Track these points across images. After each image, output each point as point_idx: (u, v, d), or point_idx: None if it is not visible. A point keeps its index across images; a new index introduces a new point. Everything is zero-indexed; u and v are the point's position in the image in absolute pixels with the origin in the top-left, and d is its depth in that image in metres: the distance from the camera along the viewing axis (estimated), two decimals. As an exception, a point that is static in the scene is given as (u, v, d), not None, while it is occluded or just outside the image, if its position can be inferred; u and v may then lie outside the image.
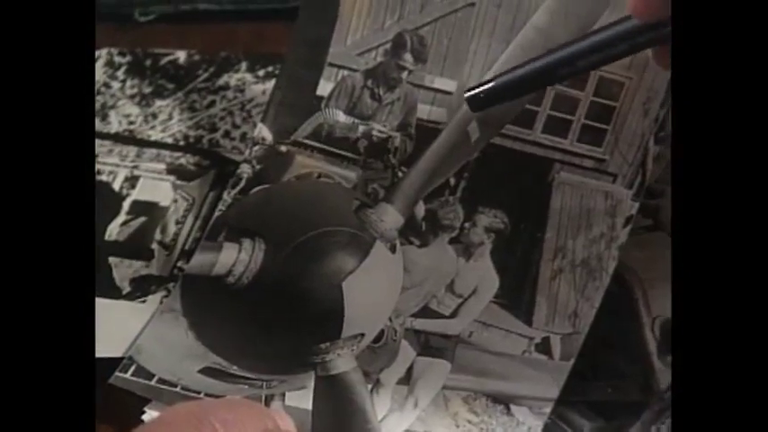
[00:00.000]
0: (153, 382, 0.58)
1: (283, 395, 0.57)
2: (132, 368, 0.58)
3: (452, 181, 0.61)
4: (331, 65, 0.64)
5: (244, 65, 0.77)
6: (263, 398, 0.56)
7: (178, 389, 0.57)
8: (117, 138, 0.73)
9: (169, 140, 0.73)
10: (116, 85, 0.78)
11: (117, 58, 0.80)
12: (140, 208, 0.68)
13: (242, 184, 0.64)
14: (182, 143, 0.72)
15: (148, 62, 0.79)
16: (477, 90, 0.46)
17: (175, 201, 0.68)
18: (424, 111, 0.63)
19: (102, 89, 0.77)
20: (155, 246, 0.66)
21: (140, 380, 0.58)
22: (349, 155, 0.63)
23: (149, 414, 0.56)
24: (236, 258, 0.57)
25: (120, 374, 0.58)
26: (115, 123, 0.75)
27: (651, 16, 0.40)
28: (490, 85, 0.46)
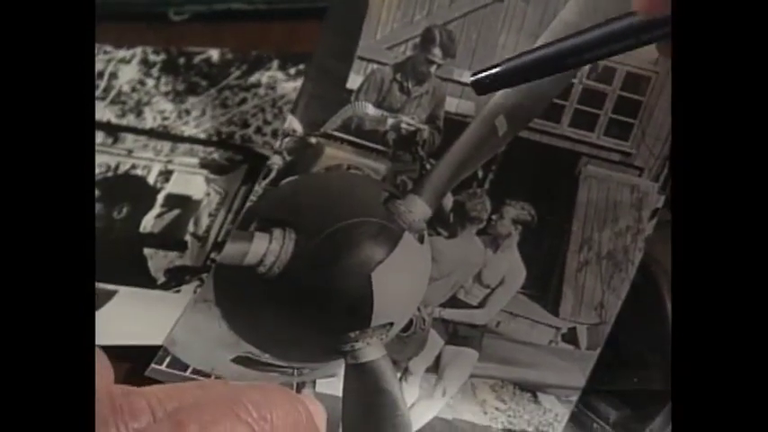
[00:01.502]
0: (188, 373, 0.58)
1: (314, 382, 0.57)
2: (168, 359, 0.59)
3: (480, 173, 0.62)
4: (360, 58, 0.65)
5: (275, 63, 0.78)
6: (295, 385, 0.57)
7: (212, 378, 0.58)
8: (152, 133, 0.75)
9: (202, 136, 0.74)
10: (151, 82, 0.79)
11: (152, 57, 0.81)
12: (174, 201, 0.70)
13: (272, 175, 0.65)
14: (214, 138, 0.74)
15: (182, 60, 0.80)
16: (482, 75, 0.47)
17: (208, 194, 0.69)
18: (452, 104, 0.63)
19: (138, 86, 0.79)
20: (188, 237, 0.67)
21: (175, 371, 0.59)
22: (378, 147, 0.64)
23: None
24: (266, 248, 0.58)
25: (156, 366, 0.59)
26: (150, 119, 0.76)
27: (654, 13, 0.41)
28: (495, 70, 0.46)
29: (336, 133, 0.65)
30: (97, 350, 0.37)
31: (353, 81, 0.65)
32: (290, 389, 0.57)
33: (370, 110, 0.65)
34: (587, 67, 0.61)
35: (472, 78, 0.47)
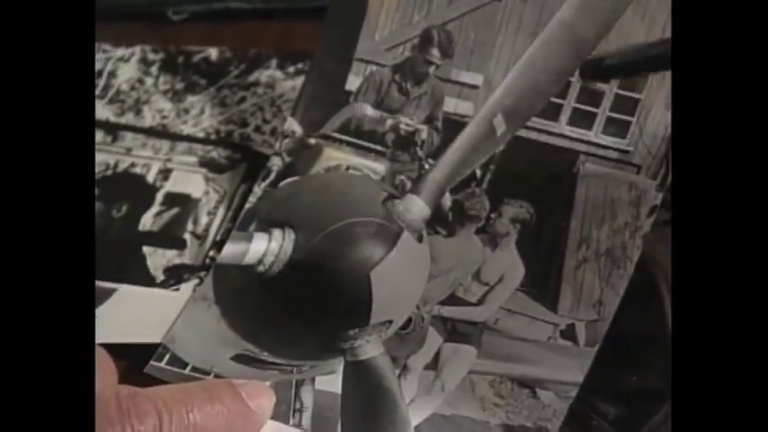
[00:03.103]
0: (187, 371, 0.59)
1: (313, 380, 0.58)
2: (167, 357, 0.59)
3: (479, 172, 0.62)
4: (359, 60, 0.65)
5: (274, 62, 0.78)
6: (294, 382, 0.57)
7: (211, 377, 0.59)
8: (150, 132, 0.75)
9: (201, 135, 0.74)
10: (149, 81, 0.79)
11: (150, 55, 0.81)
12: (173, 199, 0.70)
13: (272, 176, 0.65)
14: (213, 137, 0.74)
15: (181, 59, 0.81)
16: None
17: (207, 193, 0.69)
18: (450, 104, 0.64)
19: (137, 85, 0.79)
20: (187, 236, 0.67)
21: (175, 369, 0.59)
22: (377, 147, 0.64)
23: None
24: (266, 248, 0.58)
25: (156, 363, 0.59)
26: (149, 118, 0.76)
27: None
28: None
29: (335, 134, 0.65)
30: (100, 350, 0.37)
31: (352, 82, 0.65)
32: (290, 386, 0.58)
33: (369, 111, 0.65)
34: (585, 66, 0.62)
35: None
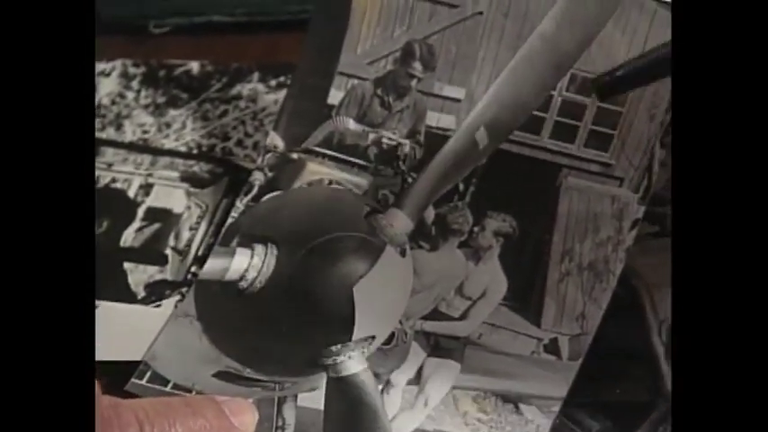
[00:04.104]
0: (168, 388, 0.58)
1: (295, 396, 0.57)
2: (148, 374, 0.59)
3: (461, 186, 0.62)
4: (341, 74, 0.65)
5: (256, 75, 0.78)
6: (276, 399, 0.57)
7: (193, 394, 0.58)
8: (131, 146, 0.75)
9: (183, 149, 0.74)
10: (130, 95, 0.79)
11: (131, 69, 0.81)
12: (155, 215, 0.69)
13: (254, 191, 0.65)
14: (195, 152, 0.73)
15: (162, 73, 0.80)
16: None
17: (189, 208, 0.69)
18: (433, 118, 0.64)
19: (117, 99, 0.79)
20: (169, 251, 0.67)
21: (156, 386, 0.58)
22: (359, 162, 0.64)
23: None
24: (248, 263, 0.58)
25: (136, 381, 0.59)
26: (129, 133, 0.76)
27: None
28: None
29: (318, 149, 0.65)
30: None
31: (334, 96, 0.65)
32: (272, 403, 0.57)
33: (352, 125, 0.65)
34: (566, 79, 0.62)
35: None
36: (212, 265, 0.60)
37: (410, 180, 0.62)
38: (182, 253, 0.66)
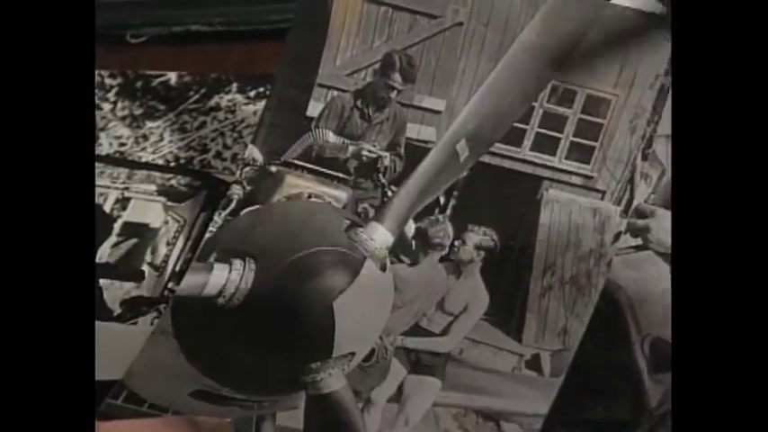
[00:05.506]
0: (144, 408, 0.57)
1: (274, 415, 0.57)
2: (123, 394, 0.58)
3: (442, 199, 0.62)
4: (320, 85, 0.65)
5: (234, 86, 0.77)
6: (254, 419, 0.56)
7: (169, 414, 0.57)
8: (108, 159, 0.74)
9: (160, 162, 0.73)
10: (107, 106, 0.78)
11: (108, 80, 0.80)
12: (131, 229, 0.68)
13: (233, 204, 0.64)
14: (173, 164, 0.73)
15: (139, 84, 0.79)
16: None
17: (166, 222, 0.68)
18: (413, 130, 0.63)
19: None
20: (145, 267, 0.66)
21: (131, 405, 0.58)
22: (339, 175, 0.64)
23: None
24: (226, 279, 0.57)
25: (112, 401, 0.58)
26: (106, 145, 0.75)
27: None
28: None
29: (297, 162, 0.64)
30: None
31: (314, 108, 0.65)
32: (250, 423, 0.56)
33: (331, 137, 0.64)
34: (548, 90, 0.61)
35: None
36: (190, 281, 0.59)
37: (390, 193, 0.62)
38: (158, 269, 0.65)
